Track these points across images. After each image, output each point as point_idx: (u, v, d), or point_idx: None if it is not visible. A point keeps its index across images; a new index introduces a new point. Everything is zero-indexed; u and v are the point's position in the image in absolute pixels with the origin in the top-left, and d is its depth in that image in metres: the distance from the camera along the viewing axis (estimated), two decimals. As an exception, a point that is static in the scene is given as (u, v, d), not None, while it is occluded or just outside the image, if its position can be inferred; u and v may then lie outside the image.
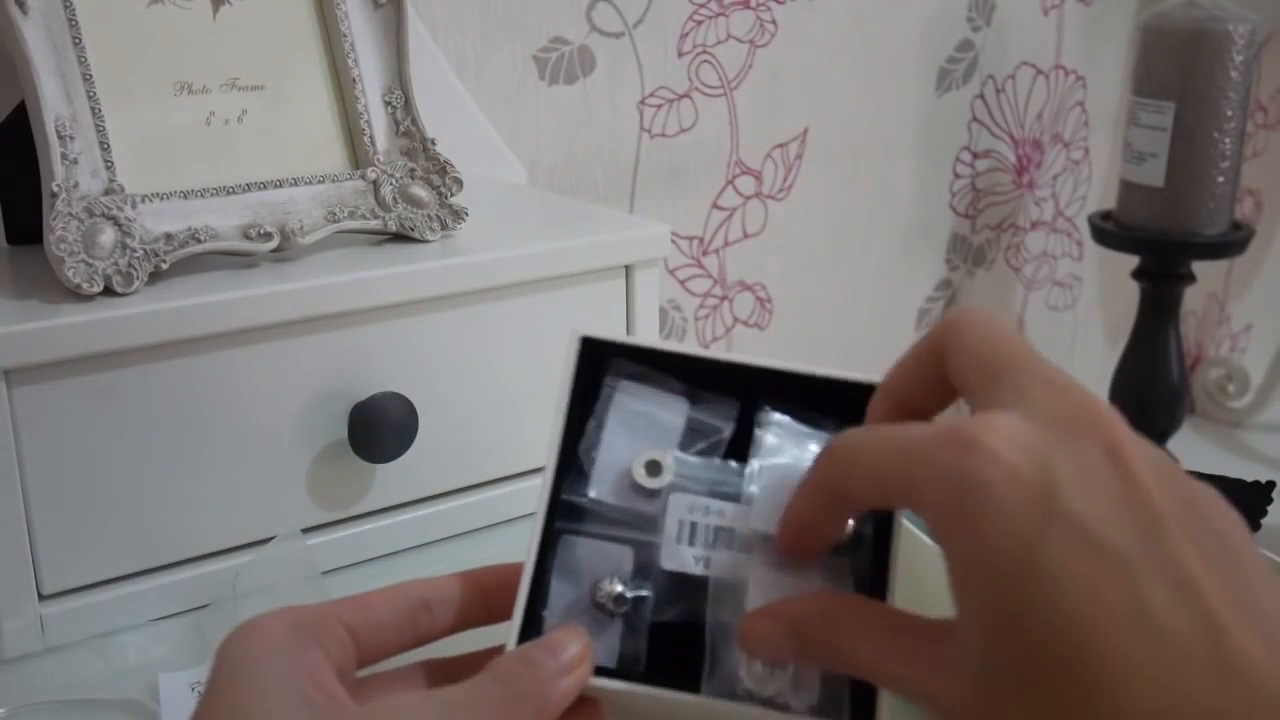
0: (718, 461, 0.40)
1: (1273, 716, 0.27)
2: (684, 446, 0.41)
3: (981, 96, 1.28)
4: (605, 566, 0.39)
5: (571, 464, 0.40)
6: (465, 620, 0.40)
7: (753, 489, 0.39)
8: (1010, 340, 0.34)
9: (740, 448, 0.41)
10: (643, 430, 0.41)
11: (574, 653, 0.36)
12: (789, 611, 0.36)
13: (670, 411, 0.41)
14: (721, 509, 0.39)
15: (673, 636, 0.39)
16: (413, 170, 0.72)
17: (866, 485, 0.34)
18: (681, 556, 0.39)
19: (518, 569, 0.39)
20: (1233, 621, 0.28)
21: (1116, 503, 0.30)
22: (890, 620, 0.34)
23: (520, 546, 0.39)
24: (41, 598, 0.60)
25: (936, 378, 0.35)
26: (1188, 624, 0.28)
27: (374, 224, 0.69)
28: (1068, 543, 0.29)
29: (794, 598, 0.36)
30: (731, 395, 0.41)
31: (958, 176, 1.29)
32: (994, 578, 0.30)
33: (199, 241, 0.63)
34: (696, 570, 0.38)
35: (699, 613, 0.38)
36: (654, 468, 0.40)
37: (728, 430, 0.41)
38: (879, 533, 0.39)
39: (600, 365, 0.42)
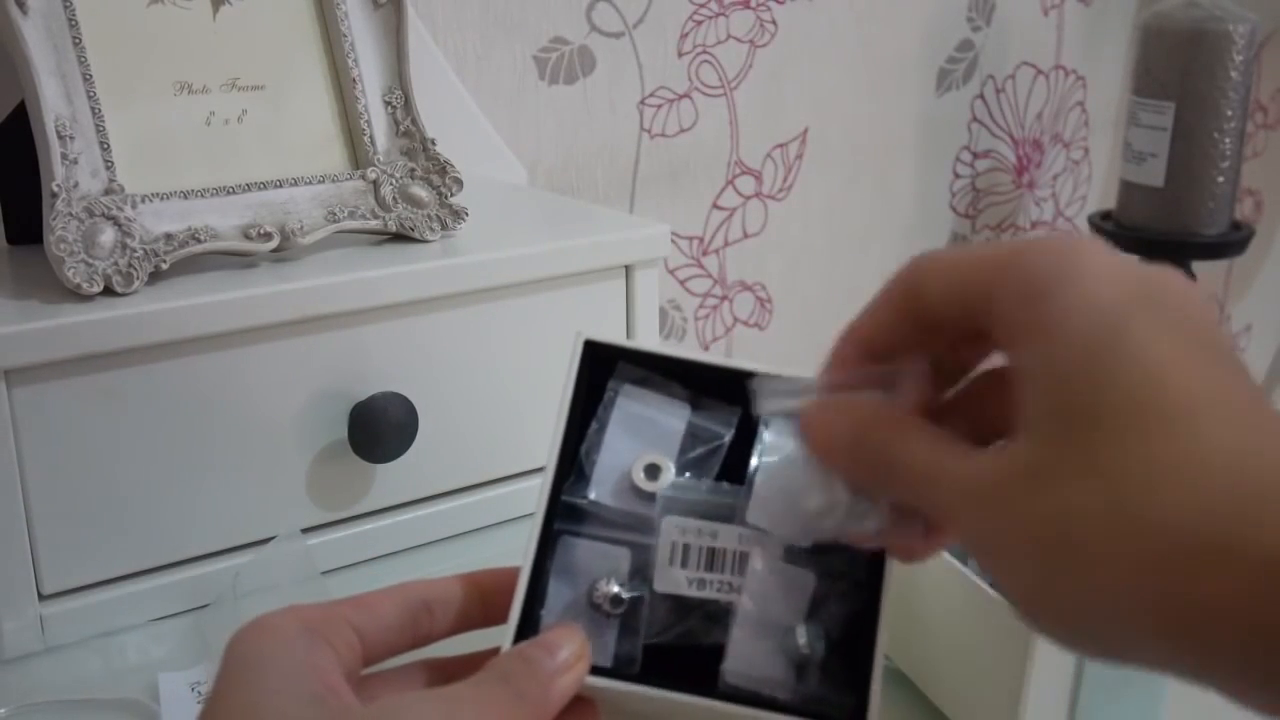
0: (710, 482, 0.40)
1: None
2: (684, 451, 0.41)
3: (981, 96, 1.28)
4: (603, 568, 0.39)
5: (572, 466, 0.40)
6: (465, 622, 0.40)
7: (760, 468, 0.39)
8: (994, 260, 0.33)
9: (741, 454, 0.41)
10: (644, 434, 0.41)
11: (571, 651, 0.36)
12: (852, 407, 0.35)
13: (671, 416, 0.41)
14: (714, 530, 0.39)
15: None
16: (413, 170, 0.72)
17: (947, 283, 0.33)
18: (675, 579, 0.39)
19: (517, 572, 0.39)
20: None
21: (1201, 314, 0.30)
22: (942, 434, 0.34)
23: (520, 546, 0.40)
24: (41, 598, 0.60)
25: (909, 322, 0.35)
26: (1249, 392, 0.29)
27: (374, 224, 0.69)
28: (1155, 322, 0.29)
29: (865, 402, 0.35)
30: (733, 401, 0.41)
31: (958, 176, 1.29)
32: (1079, 345, 0.29)
33: (199, 241, 0.63)
34: (690, 592, 0.39)
35: (694, 634, 0.38)
36: (653, 471, 0.40)
37: (728, 436, 0.41)
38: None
39: (602, 368, 0.42)
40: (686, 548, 0.39)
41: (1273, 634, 0.26)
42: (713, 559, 0.39)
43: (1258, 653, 0.26)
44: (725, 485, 0.40)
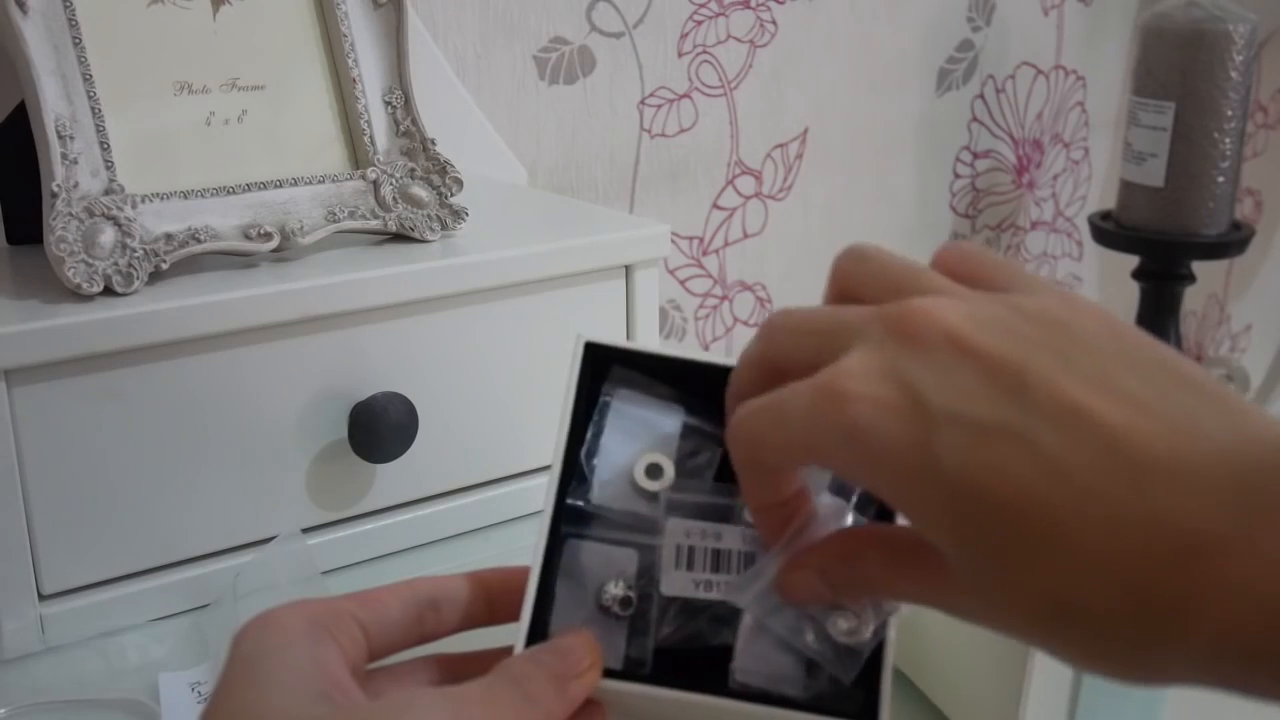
0: (711, 483, 0.40)
1: (1195, 482, 0.28)
2: (681, 452, 0.41)
3: (981, 96, 1.28)
4: (610, 570, 0.39)
5: (575, 469, 0.40)
6: (470, 620, 0.40)
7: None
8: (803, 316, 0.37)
9: None
10: (641, 436, 0.41)
11: (584, 657, 0.36)
12: (813, 559, 0.36)
13: (668, 417, 0.41)
14: (719, 531, 0.39)
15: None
16: (413, 170, 0.72)
17: (777, 456, 0.35)
18: (681, 582, 0.39)
19: (523, 572, 0.39)
20: (1123, 421, 0.29)
21: (977, 380, 0.31)
22: (896, 547, 0.35)
23: (521, 546, 0.40)
24: (41, 598, 0.60)
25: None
26: (1090, 453, 0.29)
27: (374, 224, 0.69)
28: (957, 439, 0.30)
29: (816, 543, 0.37)
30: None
31: (958, 176, 1.29)
32: (921, 502, 0.31)
33: (199, 241, 0.63)
34: (697, 594, 0.39)
35: (702, 635, 0.38)
36: (655, 471, 0.40)
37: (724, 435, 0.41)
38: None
39: (603, 370, 0.42)
40: (691, 550, 0.39)
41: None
42: (718, 560, 0.39)
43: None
44: (727, 485, 0.40)
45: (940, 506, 0.31)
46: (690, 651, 0.39)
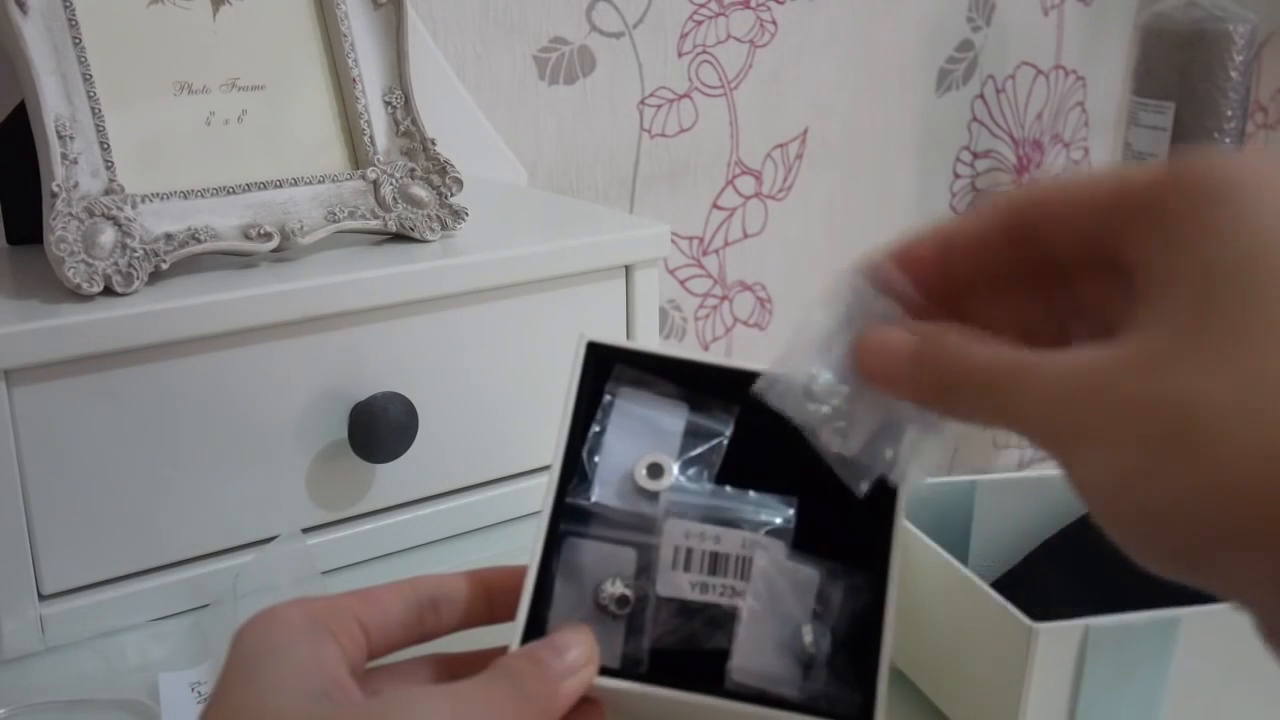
0: (712, 485, 0.40)
1: None
2: (684, 450, 0.41)
3: (981, 96, 1.28)
4: (608, 568, 0.39)
5: (575, 468, 0.41)
6: (470, 619, 0.40)
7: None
8: (1145, 175, 0.30)
9: (739, 452, 0.41)
10: (644, 435, 0.41)
11: (580, 653, 0.36)
12: (926, 329, 0.32)
13: (671, 416, 0.42)
14: (718, 534, 0.39)
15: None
16: (413, 170, 0.72)
17: (1075, 199, 0.31)
18: (677, 583, 0.39)
19: (523, 571, 0.39)
20: None
21: None
22: (1024, 353, 0.30)
23: (521, 546, 0.40)
24: (41, 598, 0.60)
25: (1009, 239, 0.32)
26: None
27: (374, 224, 0.69)
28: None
29: (926, 324, 0.32)
30: (732, 400, 0.42)
31: (958, 176, 1.29)
32: (1245, 247, 0.27)
33: (199, 241, 0.63)
34: (693, 596, 0.39)
35: (696, 638, 0.38)
36: (656, 471, 0.40)
37: (727, 433, 0.41)
38: (879, 539, 0.39)
39: (605, 369, 0.42)
40: (689, 551, 0.39)
41: None
42: (715, 563, 0.39)
43: None
44: (728, 489, 0.40)
45: (1263, 261, 0.26)
46: (687, 651, 0.39)
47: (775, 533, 0.40)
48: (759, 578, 0.39)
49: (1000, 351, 0.30)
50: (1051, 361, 0.29)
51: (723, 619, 0.39)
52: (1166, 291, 0.28)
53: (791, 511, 0.40)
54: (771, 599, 0.38)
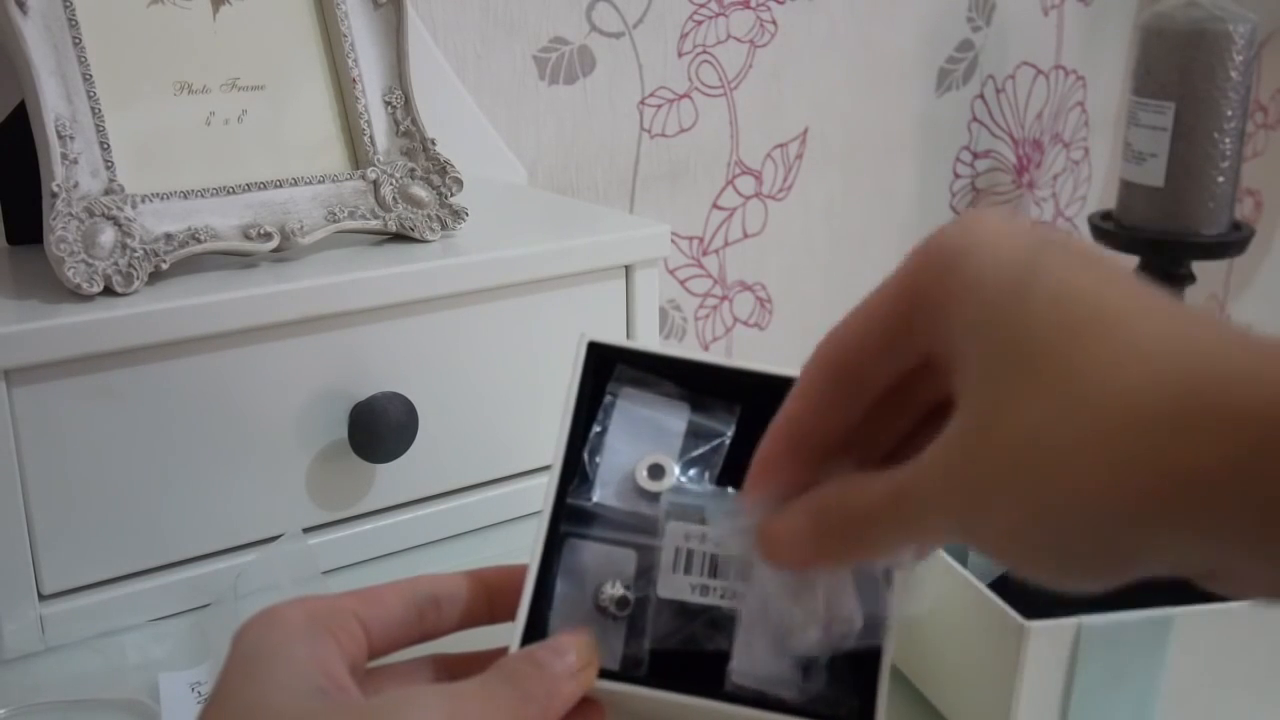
0: (712, 487, 0.40)
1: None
2: (686, 451, 0.41)
3: (981, 96, 1.28)
4: (608, 570, 0.39)
5: (576, 468, 0.40)
6: (471, 619, 0.40)
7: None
8: (896, 278, 0.34)
9: (742, 452, 0.41)
10: (646, 435, 0.41)
11: (580, 656, 0.36)
12: (808, 505, 0.35)
13: (672, 416, 0.41)
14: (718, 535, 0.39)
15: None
16: (413, 170, 0.72)
17: (864, 322, 0.34)
18: (678, 585, 0.39)
19: (524, 571, 0.39)
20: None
21: (1114, 264, 0.31)
22: (887, 475, 0.33)
23: (521, 546, 0.40)
24: (41, 598, 0.60)
25: (836, 390, 0.35)
26: (1181, 314, 0.29)
27: (374, 224, 0.69)
28: (1067, 256, 0.30)
29: (810, 494, 0.35)
30: (733, 400, 0.42)
31: (958, 176, 1.29)
32: (993, 296, 0.30)
33: (199, 241, 0.63)
34: (694, 598, 0.39)
35: (697, 640, 0.38)
36: (657, 471, 0.40)
37: (729, 433, 0.41)
38: None
39: (606, 369, 0.42)
40: (690, 554, 0.39)
41: (1265, 485, 0.25)
42: (716, 565, 0.39)
43: (1251, 511, 0.26)
44: (729, 490, 0.40)
45: (1011, 292, 0.29)
46: (687, 653, 0.39)
47: None
48: (758, 579, 0.39)
49: (872, 483, 0.33)
50: (916, 471, 0.31)
51: (723, 621, 0.39)
52: (960, 360, 0.31)
53: None
54: (770, 600, 0.38)
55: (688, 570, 0.39)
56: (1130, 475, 0.27)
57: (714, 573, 0.39)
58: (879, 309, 0.33)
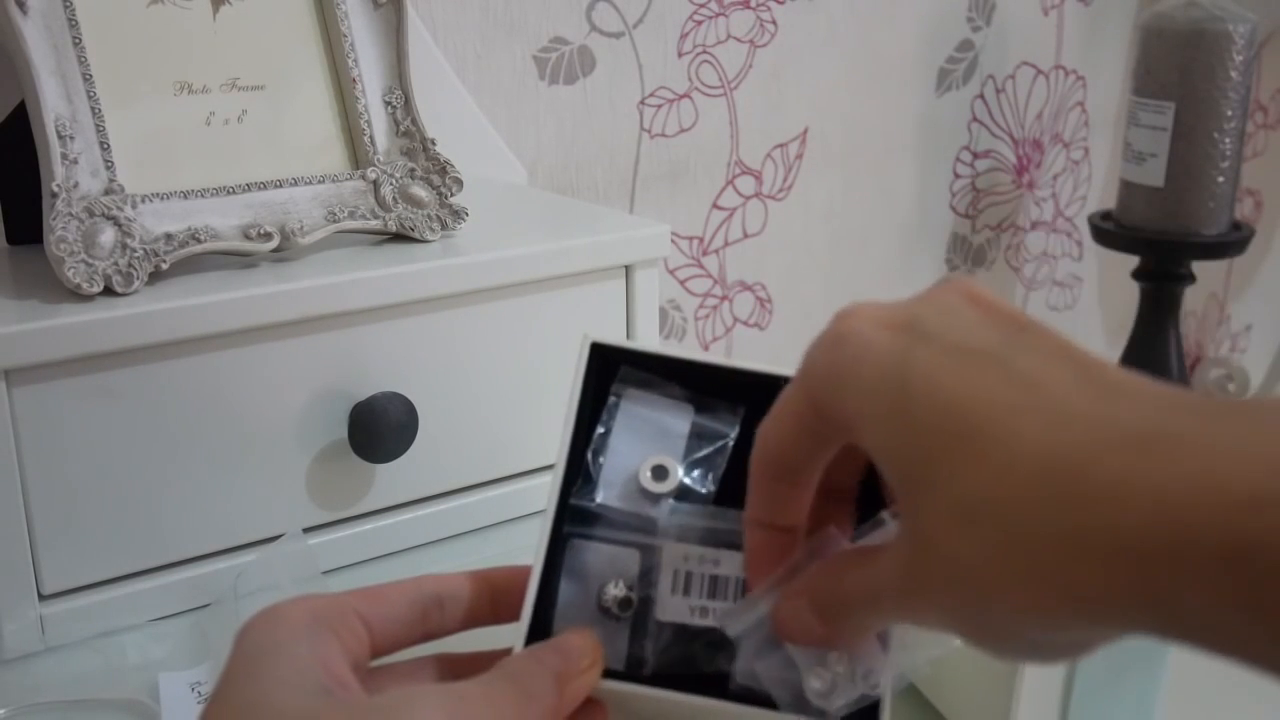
0: (712, 507, 0.40)
1: (1167, 398, 0.28)
2: (689, 452, 0.41)
3: (981, 96, 1.28)
4: (612, 570, 0.39)
5: (579, 469, 0.40)
6: (474, 619, 0.40)
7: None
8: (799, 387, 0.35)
9: (745, 453, 0.41)
10: (649, 436, 0.41)
11: (584, 655, 0.36)
12: (804, 588, 0.36)
13: (676, 418, 0.41)
14: (717, 557, 0.39)
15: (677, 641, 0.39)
16: (413, 170, 0.72)
17: (784, 427, 0.35)
18: (677, 608, 0.39)
19: (528, 571, 0.39)
20: (1115, 370, 0.30)
21: (977, 319, 0.32)
22: (866, 568, 0.35)
23: (522, 546, 0.40)
24: (41, 598, 0.60)
25: (810, 437, 0.36)
26: (1067, 373, 0.30)
27: (374, 224, 0.69)
28: (934, 353, 0.31)
29: (805, 575, 0.37)
30: (738, 400, 0.42)
31: (958, 176, 1.29)
32: (876, 399, 0.31)
33: (199, 241, 0.63)
34: (694, 621, 0.39)
35: (696, 662, 0.38)
36: (660, 473, 0.40)
37: (733, 435, 0.41)
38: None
39: (608, 370, 0.42)
40: (689, 575, 0.39)
41: (1159, 599, 0.26)
42: (715, 587, 0.39)
43: (1160, 618, 0.26)
44: (731, 511, 0.40)
45: (891, 405, 0.31)
46: (690, 654, 0.39)
47: None
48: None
49: (857, 575, 0.34)
50: (878, 569, 0.33)
51: (722, 642, 0.38)
52: (883, 472, 0.32)
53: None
54: (769, 636, 0.38)
55: (686, 592, 0.39)
56: (1039, 592, 0.28)
57: (713, 594, 0.39)
58: (790, 409, 0.35)
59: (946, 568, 0.30)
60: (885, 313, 0.33)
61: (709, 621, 0.39)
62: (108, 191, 0.61)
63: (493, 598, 0.40)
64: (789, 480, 0.36)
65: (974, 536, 0.29)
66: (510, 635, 0.38)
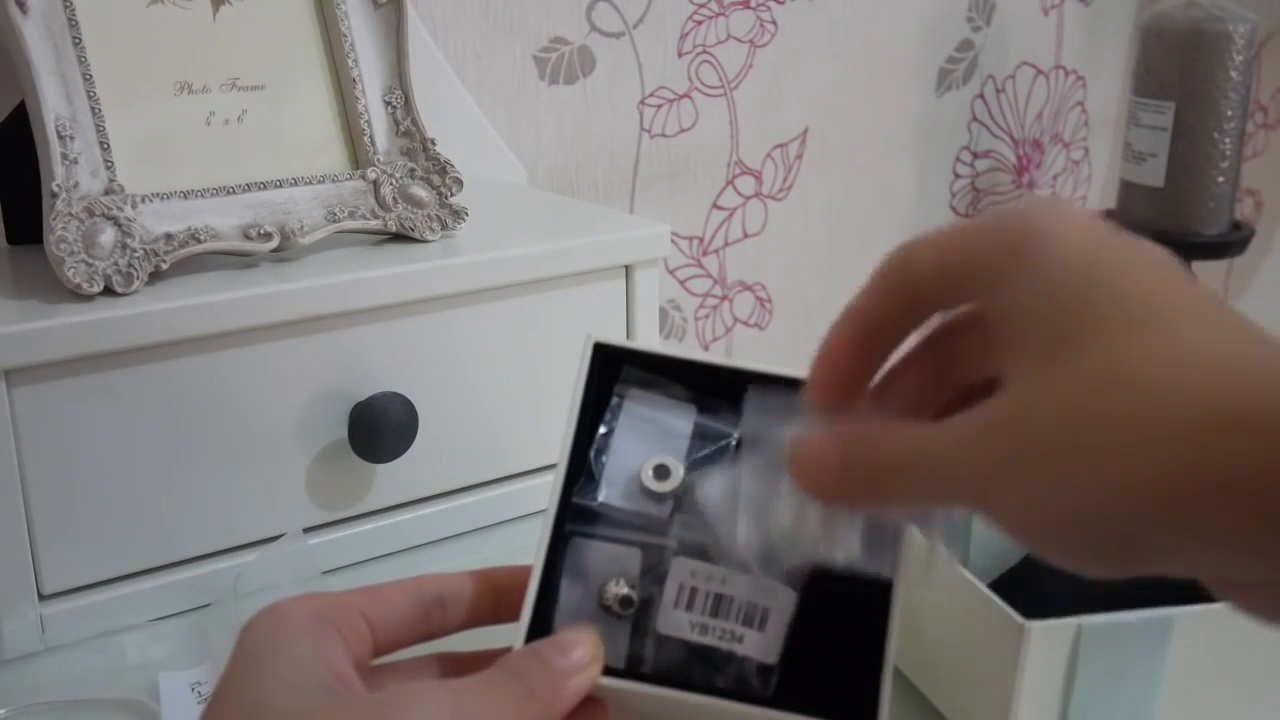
0: (725, 527, 0.40)
1: None
2: (692, 452, 0.41)
3: (981, 96, 1.28)
4: (613, 569, 0.39)
5: (582, 468, 0.40)
6: (476, 618, 0.40)
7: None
8: (975, 227, 0.34)
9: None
10: (652, 436, 0.41)
11: (585, 652, 0.36)
12: (842, 434, 0.34)
13: (679, 418, 0.41)
14: (725, 576, 0.39)
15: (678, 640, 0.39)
16: (413, 170, 0.72)
17: (934, 254, 0.34)
18: (678, 622, 0.39)
19: (529, 570, 0.39)
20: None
21: (1179, 269, 0.32)
22: (920, 429, 0.33)
23: (521, 546, 0.40)
24: (41, 598, 0.60)
25: (901, 301, 0.35)
26: (1240, 317, 0.29)
27: (374, 224, 0.69)
28: (1129, 257, 0.31)
29: (846, 422, 0.35)
30: (740, 401, 0.42)
31: (958, 176, 1.29)
32: (1058, 277, 0.30)
33: (199, 241, 0.63)
34: (693, 637, 0.39)
35: (693, 678, 0.38)
36: (662, 472, 0.40)
37: (735, 436, 0.41)
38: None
39: (610, 370, 0.42)
40: (694, 591, 0.39)
41: None
42: (719, 605, 0.39)
43: (1276, 523, 0.26)
44: (739, 526, 0.40)
45: (1072, 280, 0.30)
46: (691, 652, 0.39)
47: (788, 579, 0.39)
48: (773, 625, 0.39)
49: (906, 433, 0.33)
50: (950, 432, 0.32)
51: (720, 662, 0.38)
52: (1015, 333, 0.31)
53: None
54: (766, 657, 0.38)
55: (689, 608, 0.39)
56: (1171, 479, 0.27)
57: (715, 613, 0.39)
58: (949, 242, 0.33)
59: (1060, 435, 0.29)
60: (1089, 219, 0.32)
61: (707, 640, 0.39)
62: (108, 191, 0.61)
63: (494, 597, 0.40)
64: (908, 290, 0.34)
65: (1129, 418, 0.28)
66: (512, 634, 0.38)
